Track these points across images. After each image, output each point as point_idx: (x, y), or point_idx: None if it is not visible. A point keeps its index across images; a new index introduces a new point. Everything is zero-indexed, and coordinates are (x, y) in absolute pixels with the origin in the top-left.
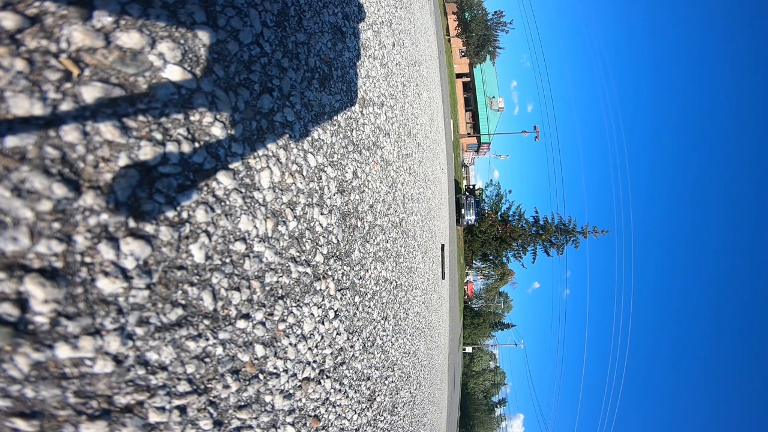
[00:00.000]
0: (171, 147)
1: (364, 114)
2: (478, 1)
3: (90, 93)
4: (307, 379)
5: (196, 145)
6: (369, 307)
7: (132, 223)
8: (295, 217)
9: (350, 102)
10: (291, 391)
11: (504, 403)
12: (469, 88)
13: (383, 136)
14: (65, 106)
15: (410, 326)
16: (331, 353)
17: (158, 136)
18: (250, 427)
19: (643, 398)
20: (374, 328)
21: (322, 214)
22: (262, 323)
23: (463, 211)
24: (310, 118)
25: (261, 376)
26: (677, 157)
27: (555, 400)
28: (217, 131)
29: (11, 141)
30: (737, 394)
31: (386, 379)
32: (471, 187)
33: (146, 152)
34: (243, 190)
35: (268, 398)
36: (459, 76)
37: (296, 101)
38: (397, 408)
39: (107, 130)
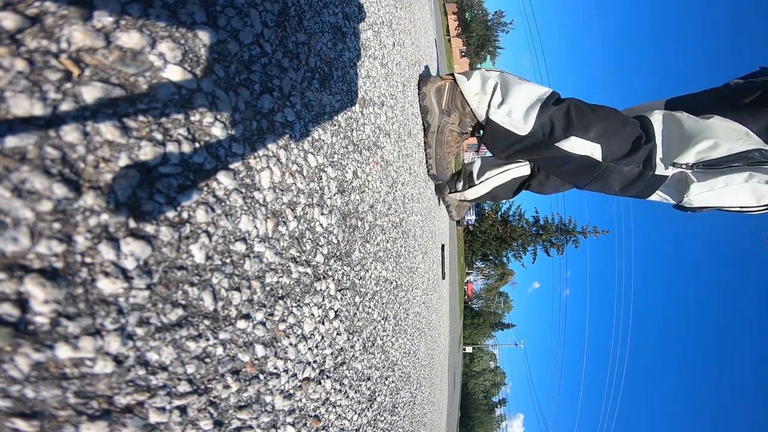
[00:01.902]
0: (171, 147)
1: (365, 114)
2: (478, 1)
3: (90, 93)
4: (308, 379)
5: (197, 145)
6: (369, 307)
7: (132, 224)
8: (295, 217)
9: (350, 102)
10: (291, 392)
11: (504, 403)
12: None
13: (383, 136)
14: (65, 106)
15: (410, 326)
16: (332, 353)
17: (158, 137)
18: (251, 427)
19: (643, 398)
20: (374, 329)
21: (322, 214)
22: (263, 323)
23: None
24: (311, 118)
25: (261, 377)
26: None
27: (555, 400)
28: (218, 131)
29: (11, 141)
30: (737, 393)
31: (386, 379)
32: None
33: (146, 152)
34: (243, 191)
35: (268, 398)
36: None
37: (296, 101)
38: (397, 408)
39: (107, 130)
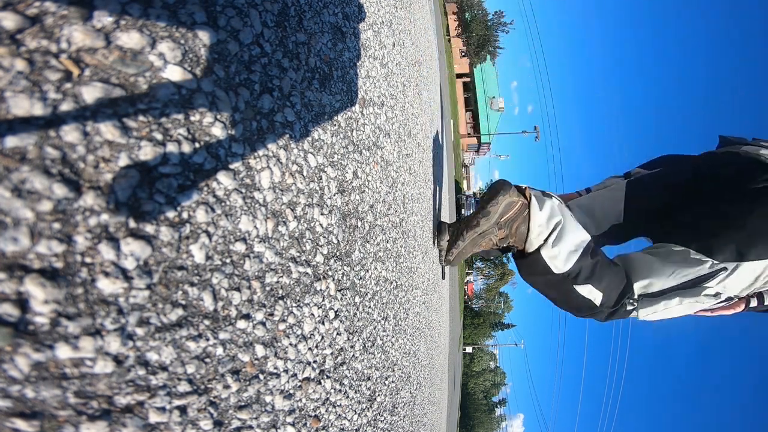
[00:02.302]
0: (171, 147)
1: (365, 114)
2: (478, 1)
3: (90, 93)
4: (308, 379)
5: (197, 145)
6: (369, 307)
7: (132, 224)
8: (295, 217)
9: (350, 102)
10: (291, 392)
11: (504, 403)
12: (469, 88)
13: (383, 136)
14: (65, 107)
15: (410, 326)
16: (332, 353)
17: (158, 137)
18: (251, 427)
19: (643, 398)
20: (374, 329)
21: (322, 214)
22: (263, 323)
23: (463, 211)
24: (311, 118)
25: (261, 377)
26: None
27: (555, 400)
28: (218, 131)
29: (11, 141)
30: (739, 393)
31: (386, 379)
32: (474, 193)
33: (146, 152)
34: (243, 191)
35: (268, 398)
36: (459, 76)
37: (296, 101)
38: (397, 408)
39: (107, 130)
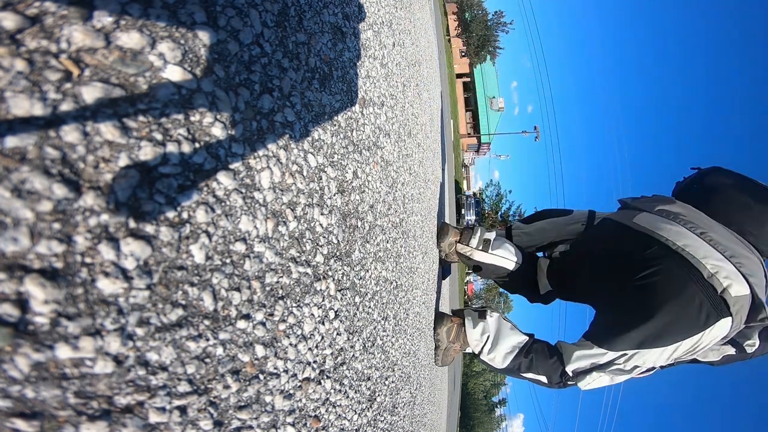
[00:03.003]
0: (171, 147)
1: (365, 114)
2: (478, 1)
3: (90, 93)
4: (308, 379)
5: (197, 145)
6: (369, 307)
7: (132, 224)
8: (295, 217)
9: (350, 102)
10: (291, 392)
11: (504, 403)
12: (469, 88)
13: (383, 136)
14: (65, 107)
15: (410, 326)
16: (332, 353)
17: (158, 137)
18: (251, 427)
19: (644, 398)
20: (374, 329)
21: (322, 214)
22: (263, 323)
23: (463, 211)
24: (311, 118)
25: (261, 377)
26: (679, 156)
27: (555, 400)
28: (218, 131)
29: (11, 141)
30: (738, 391)
31: (386, 379)
32: (473, 194)
33: (146, 152)
34: (243, 191)
35: (268, 398)
36: (459, 76)
37: (296, 101)
38: (397, 408)
39: (107, 130)
